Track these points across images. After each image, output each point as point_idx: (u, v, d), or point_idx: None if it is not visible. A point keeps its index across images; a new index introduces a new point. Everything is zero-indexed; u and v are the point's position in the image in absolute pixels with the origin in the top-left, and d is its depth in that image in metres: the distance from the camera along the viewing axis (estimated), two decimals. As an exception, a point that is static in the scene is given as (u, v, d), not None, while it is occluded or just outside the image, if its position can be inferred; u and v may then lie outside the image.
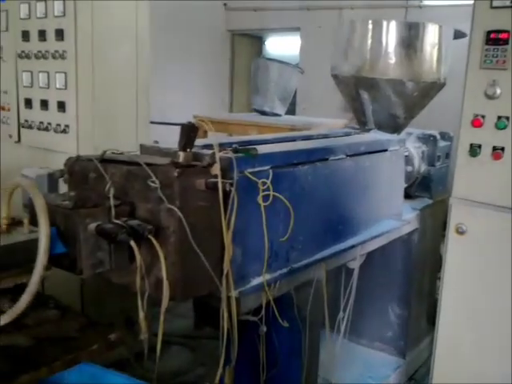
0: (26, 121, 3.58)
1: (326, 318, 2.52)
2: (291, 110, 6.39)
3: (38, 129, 3.49)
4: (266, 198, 1.90)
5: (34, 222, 1.46)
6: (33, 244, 1.39)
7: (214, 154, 1.73)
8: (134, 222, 1.59)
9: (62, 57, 3.23)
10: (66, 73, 3.25)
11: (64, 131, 3.33)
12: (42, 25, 3.31)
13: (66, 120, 3.32)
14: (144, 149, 2.04)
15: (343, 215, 2.44)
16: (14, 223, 1.46)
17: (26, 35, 3.42)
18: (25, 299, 1.28)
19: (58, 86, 3.30)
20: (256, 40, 10.29)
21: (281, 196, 1.96)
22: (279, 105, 4.78)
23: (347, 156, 2.41)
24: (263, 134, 3.19)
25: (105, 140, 3.31)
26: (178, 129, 1.75)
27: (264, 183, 1.88)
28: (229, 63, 9.87)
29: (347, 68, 3.11)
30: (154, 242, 1.55)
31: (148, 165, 1.66)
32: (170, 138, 1.92)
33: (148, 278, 1.67)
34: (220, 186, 1.64)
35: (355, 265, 2.76)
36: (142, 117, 3.61)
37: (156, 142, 2.14)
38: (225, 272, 1.71)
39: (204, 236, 1.69)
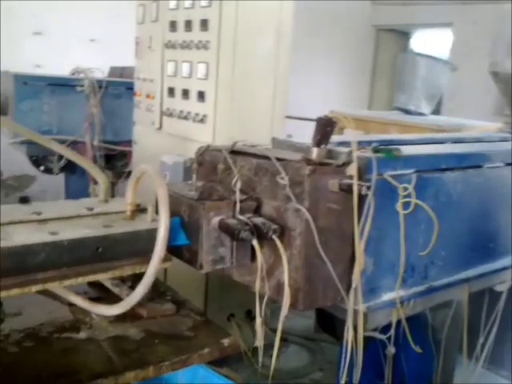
0: (168, 109, 3.68)
1: (464, 344, 2.23)
2: (435, 111, 5.92)
3: (178, 117, 3.56)
4: (406, 205, 1.68)
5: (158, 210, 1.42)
6: (155, 233, 1.34)
7: (351, 152, 1.55)
8: (259, 220, 1.48)
9: (205, 47, 3.25)
10: (207, 63, 3.26)
11: (202, 121, 3.36)
12: (188, 15, 3.36)
13: (204, 110, 3.35)
14: (276, 142, 1.93)
15: (495, 231, 2.12)
16: (139, 210, 1.43)
17: (173, 25, 3.50)
18: (139, 292, 1.23)
19: (199, 76, 3.33)
20: (401, 36, 9.80)
21: (424, 204, 1.73)
22: (425, 103, 4.42)
23: (506, 164, 2.09)
24: (406, 134, 2.93)
25: (240, 132, 3.28)
26: (313, 125, 1.61)
27: (405, 189, 1.66)
28: (371, 59, 9.52)
29: (511, 64, 2.73)
30: (278, 243, 1.43)
31: (278, 160, 1.53)
32: (306, 134, 1.79)
33: (269, 280, 1.56)
34: (355, 188, 1.46)
35: (503, 288, 2.42)
36: (278, 110, 3.53)
37: (289, 136, 2.02)
38: (354, 284, 1.54)
39: (332, 242, 1.53)
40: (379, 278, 1.71)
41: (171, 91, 3.62)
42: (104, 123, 4.61)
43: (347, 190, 1.48)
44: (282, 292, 1.48)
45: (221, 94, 3.27)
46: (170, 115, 3.64)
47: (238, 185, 1.48)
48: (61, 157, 4.52)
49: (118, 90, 4.74)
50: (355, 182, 1.47)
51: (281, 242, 1.47)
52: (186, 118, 3.48)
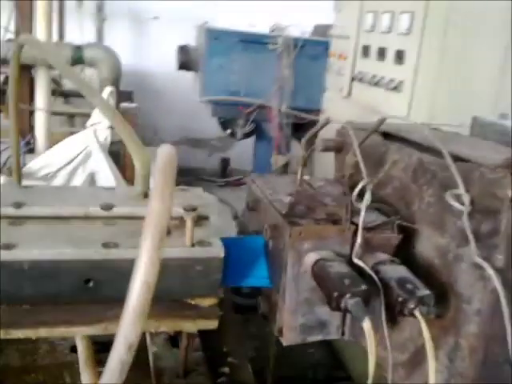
0: (360, 72, 2.99)
1: None
2: None
3: (369, 83, 2.86)
4: None
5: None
6: (194, 268, 0.75)
7: None
8: (395, 274, 0.76)
9: (412, -10, 2.45)
10: (412, 13, 2.47)
11: (396, 88, 2.60)
12: None
13: (401, 74, 2.58)
14: (477, 124, 1.15)
15: None
16: (199, 218, 0.84)
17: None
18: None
19: (400, 30, 2.56)
20: None
21: None
22: None
23: None
24: None
25: (449, 106, 2.46)
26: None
27: None
28: None
29: None
30: (425, 329, 0.71)
31: (459, 159, 0.79)
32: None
33: (413, 372, 0.85)
34: None
35: None
36: (509, 81, 2.55)
37: (503, 115, 1.21)
38: None
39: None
40: None
41: (366, 50, 2.92)
42: (295, 87, 4.12)
43: None
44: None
45: (426, 54, 2.45)
46: (361, 80, 2.96)
47: (367, 197, 0.78)
48: (246, 122, 4.19)
49: (315, 50, 4.15)
50: None
51: (438, 319, 0.74)
52: (377, 84, 2.76)
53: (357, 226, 0.79)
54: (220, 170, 5.39)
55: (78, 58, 2.05)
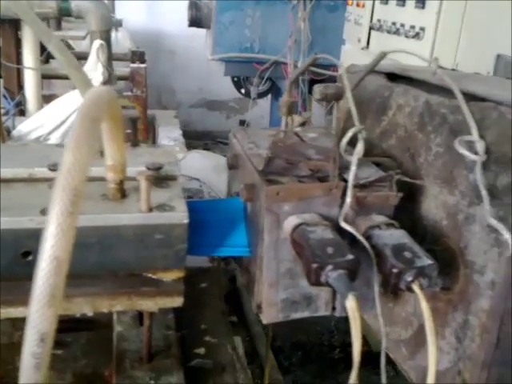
0: (378, 20, 2.79)
1: None
2: None
3: (388, 32, 2.66)
4: None
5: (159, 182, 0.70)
6: (149, 238, 0.63)
7: None
8: (391, 241, 0.63)
9: None
10: None
11: (416, 36, 2.40)
12: None
13: (422, 20, 2.38)
14: (502, 63, 1.00)
15: None
16: (158, 179, 0.72)
17: None
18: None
19: (422, -32, 2.35)
20: None
21: None
22: None
23: None
24: None
25: (473, 54, 2.25)
26: None
27: None
28: None
29: None
30: (424, 305, 0.58)
31: (472, 99, 0.65)
32: None
33: (416, 349, 0.73)
34: None
35: None
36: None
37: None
38: None
39: None
40: None
41: (384, -5, 2.71)
42: (312, 41, 3.90)
43: None
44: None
45: (448, -5, 2.24)
46: (380, 29, 2.76)
47: (359, 147, 0.65)
48: (260, 80, 4.01)
49: (333, 0, 3.91)
50: None
51: (445, 291, 0.62)
52: (397, 32, 2.57)
53: (347, 182, 0.66)
54: (238, 133, 5.26)
55: (64, 8, 1.92)
